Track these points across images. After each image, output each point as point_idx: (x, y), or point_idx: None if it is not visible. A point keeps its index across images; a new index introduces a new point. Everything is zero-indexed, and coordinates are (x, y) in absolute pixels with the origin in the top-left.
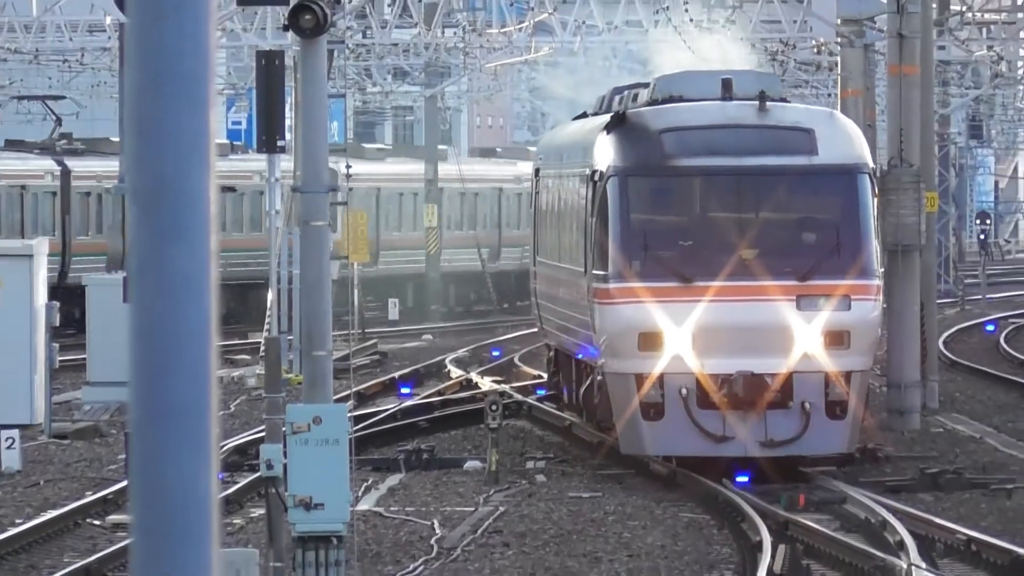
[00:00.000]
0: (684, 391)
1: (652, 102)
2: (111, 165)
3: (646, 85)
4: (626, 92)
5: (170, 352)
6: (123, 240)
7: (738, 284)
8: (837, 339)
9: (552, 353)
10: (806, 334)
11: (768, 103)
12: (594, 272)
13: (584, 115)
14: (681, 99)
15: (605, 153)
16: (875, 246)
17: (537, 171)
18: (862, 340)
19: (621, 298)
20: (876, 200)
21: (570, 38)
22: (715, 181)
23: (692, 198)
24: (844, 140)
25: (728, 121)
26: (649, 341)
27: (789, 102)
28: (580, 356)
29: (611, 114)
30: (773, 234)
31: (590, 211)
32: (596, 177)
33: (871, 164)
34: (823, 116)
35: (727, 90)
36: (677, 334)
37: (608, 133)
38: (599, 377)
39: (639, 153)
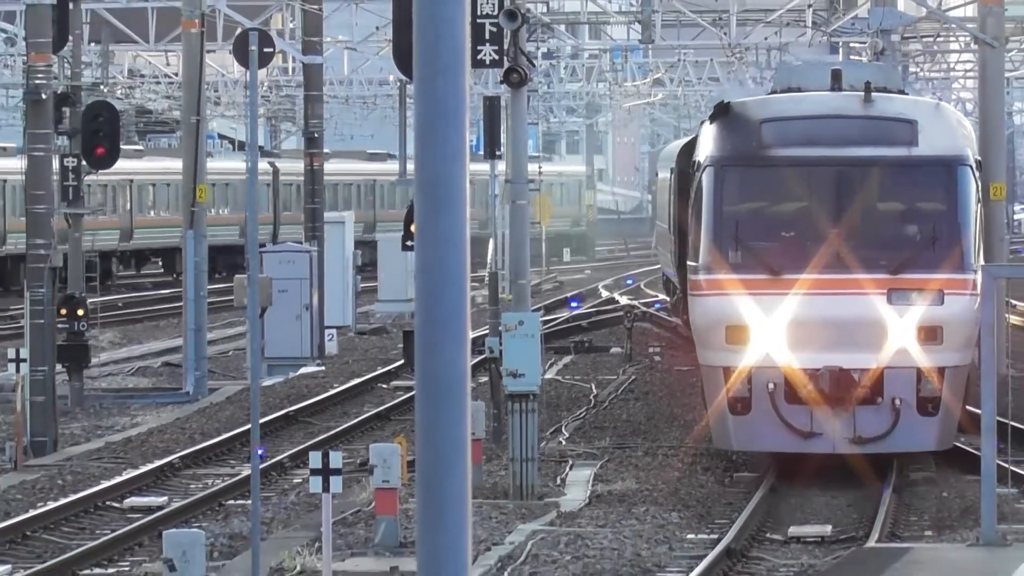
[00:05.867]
0: (771, 386)
1: (772, 92)
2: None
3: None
4: None
5: (440, 280)
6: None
7: (827, 277)
8: (930, 334)
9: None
10: (897, 329)
11: (874, 94)
12: (688, 263)
13: None
14: (799, 89)
15: (705, 143)
16: (973, 240)
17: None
18: (956, 335)
19: (710, 290)
20: (978, 193)
21: (675, 88)
22: (809, 172)
23: (786, 189)
24: (946, 132)
25: (830, 112)
26: (736, 334)
27: (906, 93)
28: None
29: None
30: (866, 226)
31: (691, 201)
32: (694, 167)
33: (973, 156)
34: (928, 107)
35: (836, 80)
36: (764, 327)
37: (711, 123)
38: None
39: (736, 143)
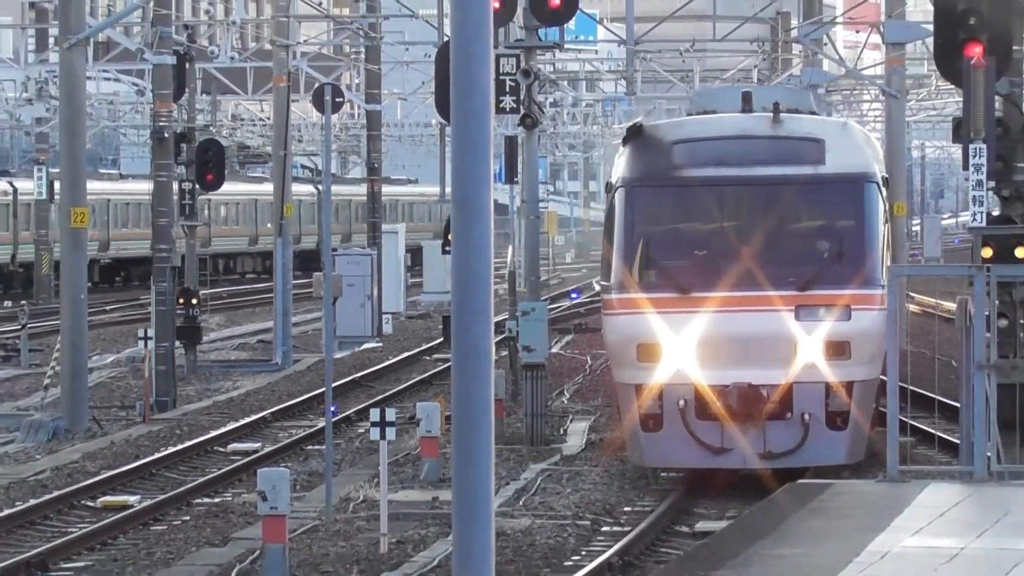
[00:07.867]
0: (682, 402)
1: (689, 115)
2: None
3: None
4: None
5: (471, 277)
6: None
7: (736, 294)
8: (838, 349)
9: None
10: (805, 344)
11: (783, 115)
12: (601, 283)
13: None
14: (713, 112)
15: (618, 164)
16: (880, 256)
17: None
18: (864, 350)
19: (621, 309)
20: (885, 209)
21: None
22: (718, 191)
23: (696, 208)
24: (853, 150)
25: (739, 132)
26: (647, 352)
27: (818, 115)
28: None
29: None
30: (774, 244)
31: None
32: (607, 188)
33: (880, 173)
34: (836, 127)
35: (747, 103)
36: (674, 345)
37: (624, 145)
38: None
39: (647, 164)
